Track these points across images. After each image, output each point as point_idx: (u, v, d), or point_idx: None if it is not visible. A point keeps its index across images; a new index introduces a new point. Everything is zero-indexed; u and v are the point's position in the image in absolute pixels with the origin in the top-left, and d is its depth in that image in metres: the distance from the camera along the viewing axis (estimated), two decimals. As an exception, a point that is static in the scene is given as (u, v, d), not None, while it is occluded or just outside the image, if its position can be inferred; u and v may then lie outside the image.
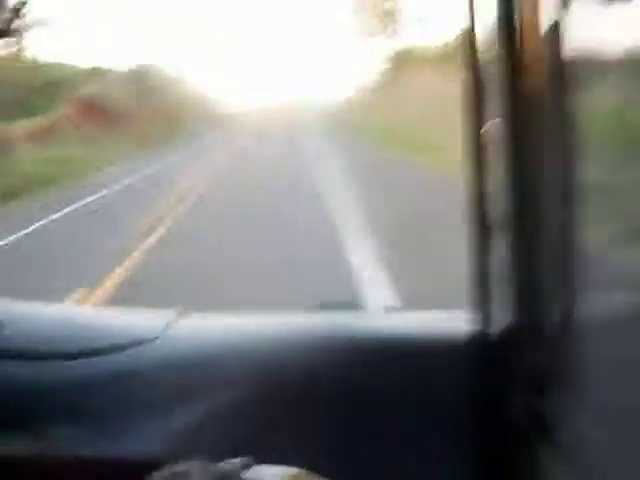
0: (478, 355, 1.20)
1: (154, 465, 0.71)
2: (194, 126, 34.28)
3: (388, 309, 1.72)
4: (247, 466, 0.72)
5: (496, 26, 1.12)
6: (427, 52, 31.95)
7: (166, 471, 0.69)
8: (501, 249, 1.18)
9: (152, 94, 31.25)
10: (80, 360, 1.30)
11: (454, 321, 1.32)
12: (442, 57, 23.14)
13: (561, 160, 1.08)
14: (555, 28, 1.02)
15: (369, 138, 21.49)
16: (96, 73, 29.95)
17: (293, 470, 0.76)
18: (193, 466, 0.70)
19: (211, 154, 23.58)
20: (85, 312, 1.94)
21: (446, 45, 25.60)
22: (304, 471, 0.77)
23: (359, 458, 1.23)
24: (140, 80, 31.77)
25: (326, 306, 1.53)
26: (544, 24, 1.05)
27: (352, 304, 1.55)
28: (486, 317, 1.19)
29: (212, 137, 33.16)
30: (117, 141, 24.09)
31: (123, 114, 27.17)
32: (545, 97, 1.07)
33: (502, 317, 1.21)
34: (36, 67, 26.25)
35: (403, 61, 33.69)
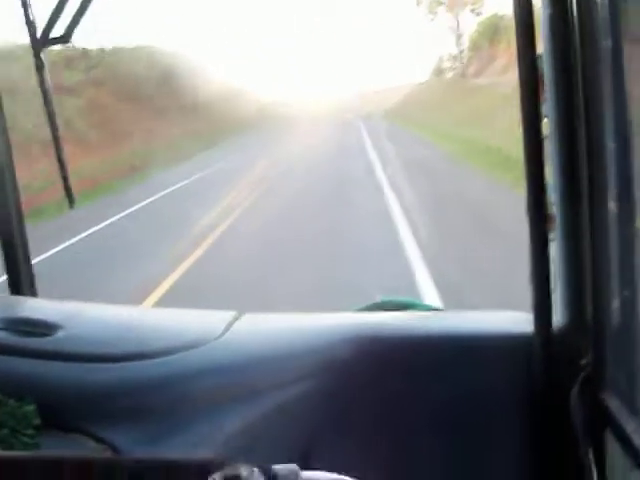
0: (539, 354, 1.20)
1: (210, 467, 0.72)
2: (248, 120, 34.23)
3: (444, 310, 1.71)
4: (294, 472, 0.74)
5: (549, 21, 1.14)
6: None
7: (220, 475, 0.71)
8: (561, 250, 1.19)
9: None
10: (136, 362, 1.31)
11: (511, 321, 1.32)
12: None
13: (619, 161, 1.08)
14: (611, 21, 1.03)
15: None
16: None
17: (341, 477, 0.77)
18: (246, 470, 0.72)
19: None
20: (142, 313, 1.94)
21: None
22: None
23: (407, 461, 1.24)
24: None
25: (382, 306, 1.54)
26: (597, 16, 1.06)
27: (406, 303, 1.54)
28: (546, 316, 1.19)
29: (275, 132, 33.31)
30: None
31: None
32: (601, 94, 1.08)
33: (562, 316, 1.22)
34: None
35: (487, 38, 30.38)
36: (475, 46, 33.94)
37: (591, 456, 1.14)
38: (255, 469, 0.73)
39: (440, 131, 22.41)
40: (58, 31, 1.54)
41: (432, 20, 37.73)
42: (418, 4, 37.26)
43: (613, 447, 1.10)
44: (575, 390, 1.15)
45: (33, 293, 1.71)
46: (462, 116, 23.18)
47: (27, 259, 1.71)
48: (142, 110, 25.67)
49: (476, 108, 22.62)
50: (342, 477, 0.78)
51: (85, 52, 23.85)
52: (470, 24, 35.51)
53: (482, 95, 24.66)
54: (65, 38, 1.54)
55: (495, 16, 30.04)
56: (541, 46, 1.15)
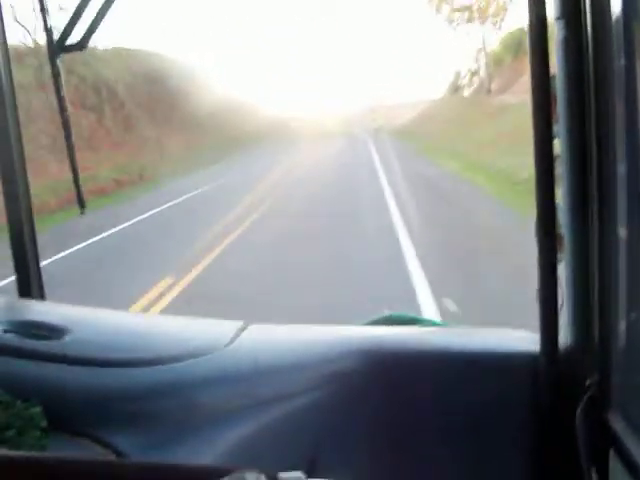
0: (545, 373, 1.21)
1: (216, 474, 0.72)
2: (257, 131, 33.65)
3: (452, 324, 1.71)
4: None
5: (563, 43, 1.15)
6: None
7: None
8: (569, 270, 1.20)
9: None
10: (143, 368, 1.32)
11: (517, 339, 1.33)
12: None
13: (630, 184, 1.09)
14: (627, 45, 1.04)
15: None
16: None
17: None
18: (252, 477, 0.72)
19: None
20: (150, 320, 1.95)
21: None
22: None
23: (411, 475, 1.25)
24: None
25: (388, 320, 1.54)
26: (611, 40, 1.07)
27: (412, 319, 1.54)
28: (552, 336, 1.20)
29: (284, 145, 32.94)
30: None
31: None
32: (614, 116, 1.08)
33: (569, 336, 1.22)
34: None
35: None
36: (497, 61, 33.34)
37: (595, 476, 1.15)
38: (262, 475, 0.73)
39: (466, 158, 17.85)
40: (75, 38, 1.55)
41: (453, 28, 36.97)
42: (437, 11, 36.71)
43: (617, 468, 1.10)
44: (580, 410, 1.15)
45: (41, 296, 1.72)
46: (489, 138, 20.08)
47: (36, 262, 1.72)
48: (105, 119, 24.38)
49: (506, 129, 19.20)
50: None
51: (38, 48, 19.85)
52: (491, 38, 34.84)
53: (511, 114, 21.60)
54: (81, 45, 1.56)
55: (520, 30, 29.24)
56: (554, 67, 1.17)
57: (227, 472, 0.74)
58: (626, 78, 1.05)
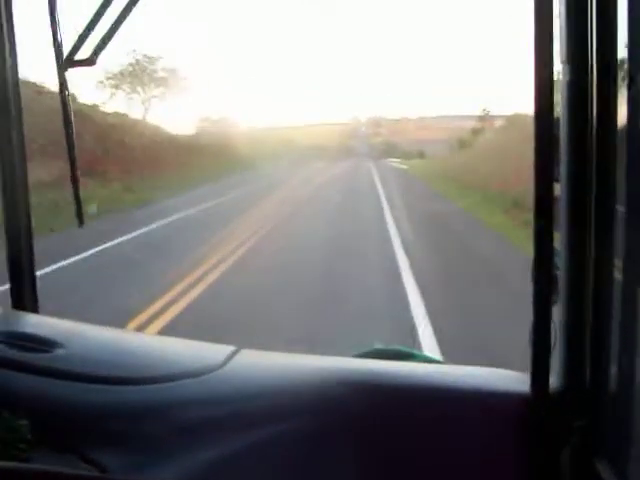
0: (534, 414, 1.20)
1: None
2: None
3: (440, 362, 1.71)
4: None
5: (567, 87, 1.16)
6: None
7: None
8: (563, 313, 1.20)
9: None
10: (132, 387, 1.32)
11: (508, 379, 1.32)
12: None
13: (626, 231, 1.09)
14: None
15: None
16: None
17: None
18: None
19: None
20: (143, 340, 1.95)
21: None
22: None
23: None
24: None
25: (381, 353, 1.54)
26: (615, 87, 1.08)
27: (405, 353, 1.54)
28: (543, 377, 1.20)
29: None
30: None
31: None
32: (614, 161, 1.09)
33: (560, 378, 1.22)
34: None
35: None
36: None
37: None
38: None
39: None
40: (84, 53, 1.56)
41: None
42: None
43: None
44: (567, 453, 1.15)
45: (35, 308, 1.71)
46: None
47: (32, 274, 1.72)
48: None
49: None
50: None
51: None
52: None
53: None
54: (90, 61, 1.57)
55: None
56: (558, 110, 1.17)
57: None
58: (628, 125, 1.06)
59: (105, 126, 21.29)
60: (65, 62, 1.55)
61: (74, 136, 1.62)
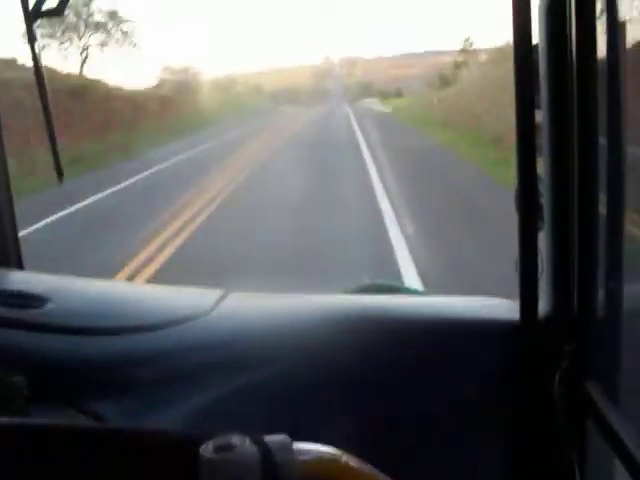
0: (524, 341, 1.22)
1: (201, 438, 0.73)
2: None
3: (429, 293, 1.73)
4: (287, 442, 0.75)
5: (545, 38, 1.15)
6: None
7: (211, 443, 0.72)
8: (548, 239, 1.21)
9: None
10: (124, 336, 1.33)
11: (497, 308, 1.34)
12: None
13: (610, 156, 1.10)
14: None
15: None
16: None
17: (332, 449, 0.79)
18: (238, 439, 0.73)
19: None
20: (131, 289, 1.96)
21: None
22: (341, 452, 0.79)
23: (392, 440, 1.26)
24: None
25: (370, 288, 1.55)
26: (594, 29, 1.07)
27: (393, 287, 1.56)
28: (532, 304, 1.21)
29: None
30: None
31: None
32: (594, 93, 1.09)
33: (548, 304, 1.24)
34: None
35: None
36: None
37: (573, 443, 1.17)
38: (247, 438, 0.74)
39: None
40: (51, 4, 1.52)
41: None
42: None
43: (594, 435, 1.13)
44: (558, 377, 1.17)
45: (20, 265, 1.70)
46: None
47: (14, 232, 1.70)
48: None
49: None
50: (333, 448, 0.79)
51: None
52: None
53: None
54: (58, 11, 1.53)
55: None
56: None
57: (211, 436, 0.74)
58: (608, 50, 1.05)
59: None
60: (32, 13, 1.51)
61: (47, 91, 1.59)
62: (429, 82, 32.84)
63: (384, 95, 38.88)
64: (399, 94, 38.35)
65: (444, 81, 31.41)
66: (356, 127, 23.33)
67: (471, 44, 31.63)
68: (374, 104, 34.47)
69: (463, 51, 32.23)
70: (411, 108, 28.61)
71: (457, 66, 31.51)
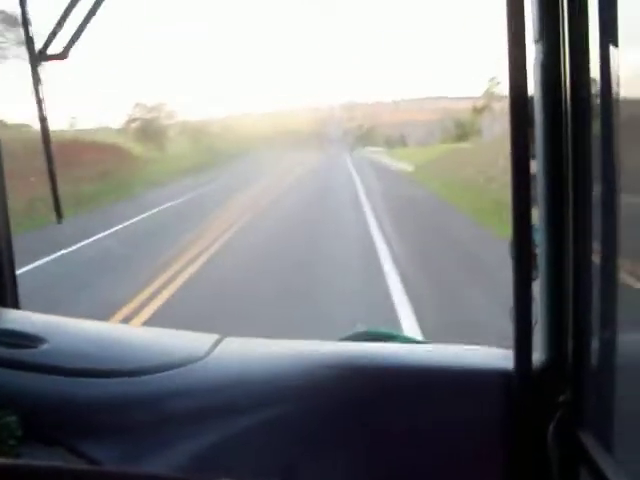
0: (518, 390, 1.22)
1: None
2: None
3: (424, 342, 1.72)
4: None
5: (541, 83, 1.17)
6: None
7: None
8: (543, 288, 1.21)
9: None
10: (118, 379, 1.32)
11: (492, 356, 1.34)
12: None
13: (604, 204, 1.11)
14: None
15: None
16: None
17: None
18: None
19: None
20: (127, 331, 1.94)
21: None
22: None
23: None
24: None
25: (365, 336, 1.55)
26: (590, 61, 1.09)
27: (389, 335, 1.55)
28: (526, 353, 1.21)
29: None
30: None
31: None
32: (590, 134, 1.11)
33: (542, 354, 1.23)
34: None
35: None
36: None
37: None
38: None
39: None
40: (56, 48, 1.55)
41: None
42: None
43: None
44: (552, 427, 1.17)
45: (16, 305, 1.70)
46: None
47: (12, 271, 1.71)
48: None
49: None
50: None
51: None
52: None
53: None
54: (63, 55, 1.56)
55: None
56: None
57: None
58: (602, 102, 1.07)
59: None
60: (38, 57, 1.53)
61: (49, 132, 1.61)
62: (444, 127, 28.75)
63: (390, 143, 34.54)
64: (404, 142, 35.39)
65: (460, 128, 27.43)
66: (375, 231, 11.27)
67: (497, 83, 23.74)
68: (381, 154, 27.37)
69: (487, 93, 24.81)
70: (439, 165, 20.11)
71: (477, 111, 25.77)
